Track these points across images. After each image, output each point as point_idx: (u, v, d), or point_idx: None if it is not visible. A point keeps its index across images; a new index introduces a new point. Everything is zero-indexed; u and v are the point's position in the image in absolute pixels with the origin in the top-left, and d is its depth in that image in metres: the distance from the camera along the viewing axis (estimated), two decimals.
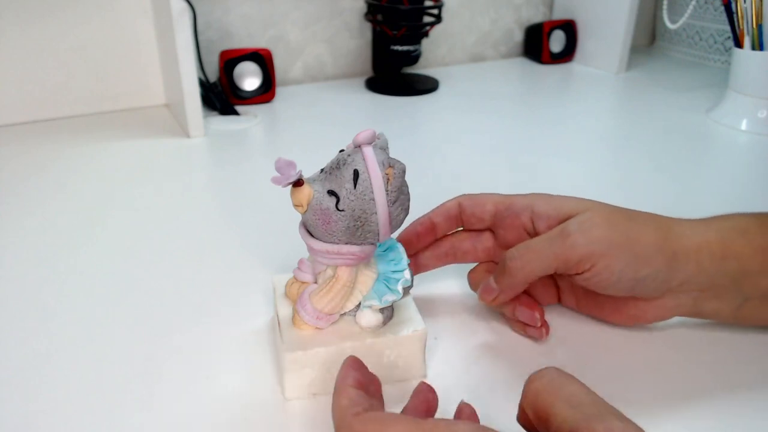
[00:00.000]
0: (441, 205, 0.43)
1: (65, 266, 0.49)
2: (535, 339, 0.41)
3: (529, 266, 0.37)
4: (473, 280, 0.43)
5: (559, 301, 0.44)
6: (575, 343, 0.42)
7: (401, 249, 0.38)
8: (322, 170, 0.35)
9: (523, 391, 0.27)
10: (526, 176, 0.67)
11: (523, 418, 0.28)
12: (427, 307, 0.44)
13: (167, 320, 0.43)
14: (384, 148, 0.35)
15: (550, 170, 0.68)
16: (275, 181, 0.33)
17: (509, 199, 0.42)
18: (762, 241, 0.37)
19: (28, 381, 0.38)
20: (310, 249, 0.35)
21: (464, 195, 0.43)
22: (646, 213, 0.39)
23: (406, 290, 0.38)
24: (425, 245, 0.43)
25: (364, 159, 0.33)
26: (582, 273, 0.37)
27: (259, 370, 0.39)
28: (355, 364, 0.31)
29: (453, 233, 0.44)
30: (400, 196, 0.34)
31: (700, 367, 0.40)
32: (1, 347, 0.41)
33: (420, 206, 0.59)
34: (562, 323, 0.43)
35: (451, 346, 0.41)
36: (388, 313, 0.37)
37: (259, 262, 0.50)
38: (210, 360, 0.39)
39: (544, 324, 0.40)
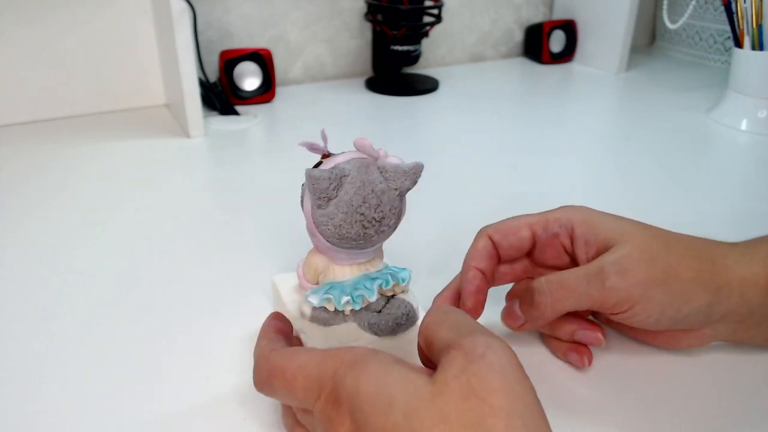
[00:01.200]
0: (472, 249, 0.39)
1: (65, 266, 0.49)
2: (577, 367, 0.39)
3: (560, 304, 0.35)
4: (511, 296, 0.41)
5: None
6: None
7: (394, 276, 0.37)
8: None
9: (419, 327, 0.29)
10: (526, 176, 0.67)
11: (419, 353, 0.30)
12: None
13: (167, 320, 0.43)
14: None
15: (550, 170, 0.68)
16: (312, 148, 0.34)
17: (543, 218, 0.39)
18: None
19: (28, 381, 0.38)
20: None
21: (488, 228, 0.40)
22: (686, 238, 0.37)
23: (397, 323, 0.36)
24: (485, 298, 0.39)
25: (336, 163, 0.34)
26: (618, 314, 0.35)
27: None
28: (278, 315, 0.34)
29: None
30: (328, 206, 0.33)
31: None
32: (1, 347, 0.41)
33: (420, 206, 0.59)
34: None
35: None
36: (334, 316, 0.36)
37: (259, 262, 0.50)
38: (210, 360, 0.39)
39: (588, 351, 0.38)
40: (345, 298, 0.35)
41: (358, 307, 0.35)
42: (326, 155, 0.35)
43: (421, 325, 0.29)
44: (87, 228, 0.55)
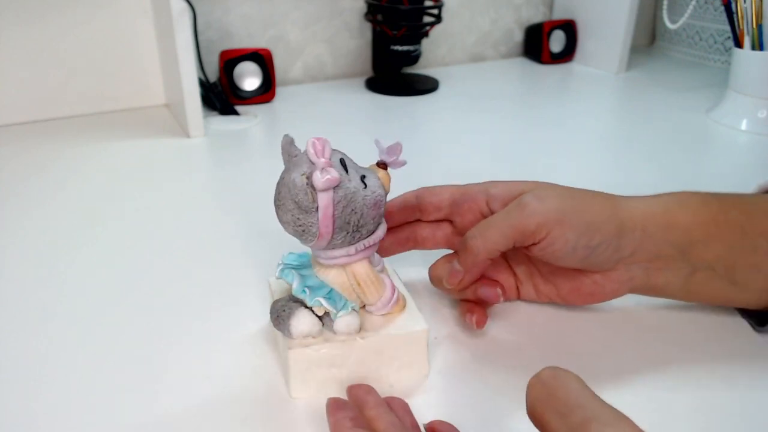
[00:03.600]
0: (399, 195, 0.44)
1: (65, 266, 0.49)
2: (472, 328, 0.41)
3: (490, 241, 0.38)
4: (434, 275, 0.43)
5: (519, 295, 0.45)
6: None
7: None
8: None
9: (526, 401, 0.26)
10: (526, 176, 0.66)
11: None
12: (427, 309, 0.44)
13: (167, 320, 0.43)
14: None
15: (550, 170, 0.68)
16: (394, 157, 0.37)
17: (465, 187, 0.43)
18: (704, 214, 0.39)
19: (28, 381, 0.38)
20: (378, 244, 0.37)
21: (422, 187, 0.44)
22: (593, 190, 0.40)
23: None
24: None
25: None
26: (538, 242, 0.38)
27: (261, 369, 0.39)
28: (338, 403, 0.33)
29: (413, 221, 0.45)
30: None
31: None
32: (1, 347, 0.41)
33: None
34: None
35: (451, 346, 0.41)
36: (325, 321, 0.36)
37: (259, 262, 0.50)
38: (210, 360, 0.39)
39: (481, 313, 0.41)
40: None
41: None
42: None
43: (526, 398, 0.26)
44: (87, 228, 0.55)
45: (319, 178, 0.32)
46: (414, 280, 0.46)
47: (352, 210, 0.34)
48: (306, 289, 0.35)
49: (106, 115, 0.82)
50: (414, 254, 0.46)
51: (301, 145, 0.35)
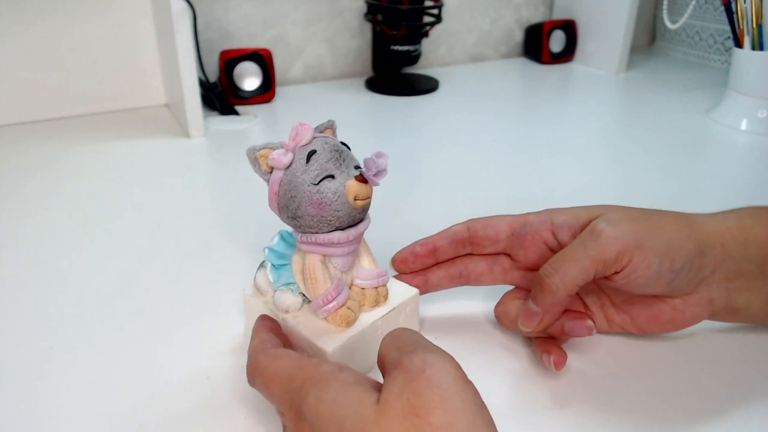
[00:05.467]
0: (447, 228, 0.42)
1: (65, 266, 0.49)
2: (550, 369, 0.37)
3: (569, 276, 0.35)
4: (504, 313, 0.41)
5: None
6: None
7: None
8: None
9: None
10: (526, 176, 0.67)
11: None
12: (428, 318, 0.44)
13: (167, 320, 0.43)
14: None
15: (550, 170, 0.68)
16: (376, 170, 0.34)
17: (523, 217, 0.40)
18: None
19: (28, 381, 0.38)
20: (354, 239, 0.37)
21: (473, 219, 0.42)
22: (662, 210, 0.38)
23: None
24: (423, 267, 0.42)
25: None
26: (621, 271, 0.35)
27: None
28: (266, 316, 0.36)
29: (467, 254, 0.42)
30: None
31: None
32: (1, 347, 0.41)
33: (420, 205, 0.59)
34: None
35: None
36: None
37: (259, 262, 0.50)
38: (210, 360, 0.39)
39: (559, 354, 0.38)
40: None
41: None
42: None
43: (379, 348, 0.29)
44: (87, 228, 0.55)
45: (271, 156, 0.36)
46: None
47: (292, 196, 0.35)
48: (274, 260, 0.38)
49: (106, 115, 0.82)
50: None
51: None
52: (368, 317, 0.37)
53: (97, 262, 0.50)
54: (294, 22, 0.92)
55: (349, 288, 0.38)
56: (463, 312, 0.44)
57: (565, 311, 0.38)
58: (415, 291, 0.40)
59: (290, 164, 0.35)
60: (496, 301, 0.42)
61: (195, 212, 0.58)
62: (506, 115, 0.86)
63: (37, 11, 0.75)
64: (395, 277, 0.42)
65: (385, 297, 0.39)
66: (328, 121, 0.39)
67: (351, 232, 0.36)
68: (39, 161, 0.68)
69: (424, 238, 0.42)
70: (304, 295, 0.38)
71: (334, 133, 0.39)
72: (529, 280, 0.41)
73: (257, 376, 0.31)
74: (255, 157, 0.37)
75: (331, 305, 0.36)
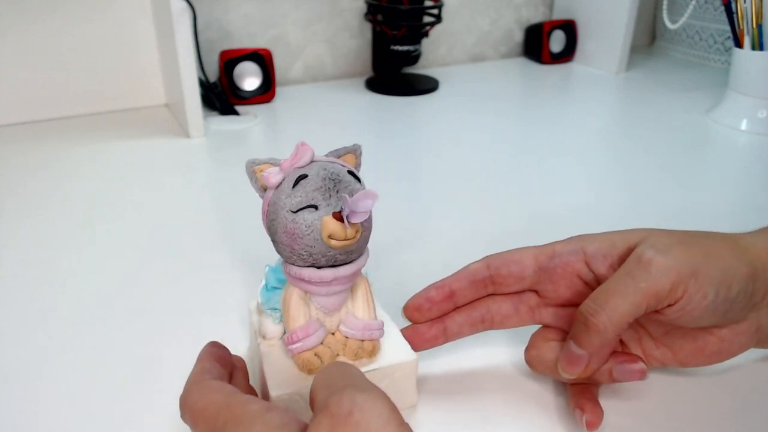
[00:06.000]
0: (463, 268, 0.37)
1: (65, 266, 0.49)
2: (582, 428, 0.33)
3: (617, 313, 0.31)
4: (537, 359, 0.36)
5: None
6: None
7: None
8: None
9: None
10: (526, 176, 0.67)
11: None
12: None
13: (167, 320, 0.43)
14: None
15: (550, 170, 0.68)
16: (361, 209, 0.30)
17: (549, 247, 0.36)
18: None
19: (27, 381, 0.38)
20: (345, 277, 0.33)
21: (491, 255, 0.37)
22: (705, 231, 0.35)
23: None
24: (440, 314, 0.37)
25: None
26: (674, 304, 0.31)
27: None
28: (216, 343, 0.33)
29: (488, 295, 0.37)
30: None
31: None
32: (1, 347, 0.41)
33: (420, 204, 0.59)
34: None
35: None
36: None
37: (259, 263, 0.50)
38: None
39: (594, 412, 0.34)
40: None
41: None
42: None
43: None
44: (87, 228, 0.55)
45: (263, 173, 0.34)
46: (411, 276, 0.44)
47: (272, 219, 0.33)
48: (271, 281, 0.36)
49: (106, 115, 0.82)
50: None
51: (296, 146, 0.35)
52: None
53: (97, 262, 0.50)
54: (294, 22, 0.92)
55: (333, 333, 0.34)
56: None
57: (612, 353, 0.34)
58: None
59: (279, 185, 0.33)
60: (514, 343, 0.38)
61: (195, 212, 0.58)
62: (506, 115, 0.86)
63: (37, 11, 0.75)
64: (403, 330, 0.36)
65: (371, 353, 0.34)
66: (354, 145, 0.35)
67: (327, 273, 0.32)
68: (39, 161, 0.68)
69: (438, 281, 0.37)
70: None
71: (357, 159, 0.35)
72: (561, 318, 0.37)
73: (186, 410, 0.28)
74: (252, 171, 0.34)
75: (294, 345, 0.32)
